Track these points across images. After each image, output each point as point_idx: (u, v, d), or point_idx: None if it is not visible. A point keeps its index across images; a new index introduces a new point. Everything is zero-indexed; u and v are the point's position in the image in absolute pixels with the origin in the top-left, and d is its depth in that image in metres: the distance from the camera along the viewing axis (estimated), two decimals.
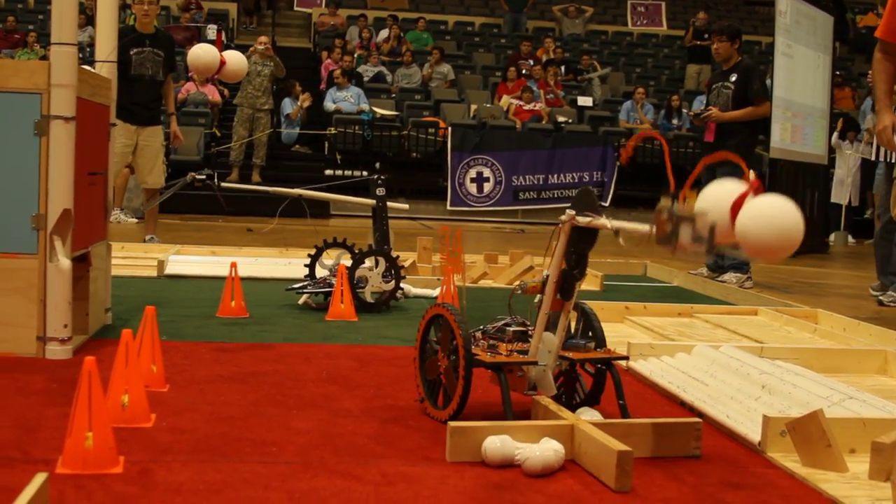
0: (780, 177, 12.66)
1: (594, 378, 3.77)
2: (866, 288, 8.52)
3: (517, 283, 3.76)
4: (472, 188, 16.88)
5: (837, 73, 17.49)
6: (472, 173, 16.87)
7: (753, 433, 3.47)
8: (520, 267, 7.83)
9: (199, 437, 3.28)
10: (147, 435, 3.28)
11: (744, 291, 7.72)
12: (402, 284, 6.36)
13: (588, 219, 3.37)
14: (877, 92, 6.11)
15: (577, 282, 3.49)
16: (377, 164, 16.66)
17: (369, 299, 6.09)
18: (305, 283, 6.26)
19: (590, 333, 3.80)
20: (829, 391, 4.02)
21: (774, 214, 2.85)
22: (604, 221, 3.31)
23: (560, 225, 3.49)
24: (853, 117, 17.43)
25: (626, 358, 3.94)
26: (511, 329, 3.75)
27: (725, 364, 4.51)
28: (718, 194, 3.01)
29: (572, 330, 3.82)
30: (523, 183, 17.08)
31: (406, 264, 7.80)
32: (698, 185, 3.08)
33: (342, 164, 16.76)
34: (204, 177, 6.42)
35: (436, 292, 6.29)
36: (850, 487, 3.06)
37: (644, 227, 3.13)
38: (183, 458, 3.05)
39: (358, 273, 6.10)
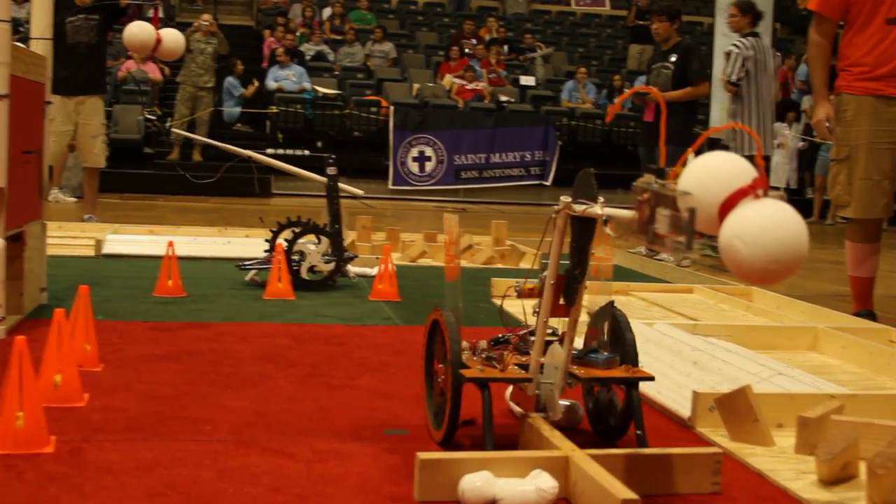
0: None
1: (624, 401, 3.11)
2: (803, 266, 8.61)
3: (513, 284, 3.15)
4: (414, 167, 16.89)
5: (778, 53, 17.59)
6: (414, 152, 16.88)
7: (683, 408, 3.51)
8: (460, 245, 7.84)
9: (132, 416, 3.28)
10: (80, 414, 3.28)
11: (681, 270, 7.79)
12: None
13: (583, 207, 2.80)
14: (814, 82, 6.07)
15: (579, 284, 2.93)
16: (319, 143, 16.72)
17: (304, 276, 6.08)
18: (253, 260, 6.26)
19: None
20: (758, 367, 4.08)
21: (774, 239, 2.15)
22: (596, 209, 2.74)
23: (553, 214, 2.94)
24: (793, 99, 17.59)
25: (652, 378, 3.07)
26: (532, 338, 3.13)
27: (658, 341, 4.55)
28: (709, 173, 2.30)
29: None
30: (465, 162, 17.10)
31: (345, 243, 7.81)
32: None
33: (284, 143, 16.71)
34: (154, 118, 6.43)
35: (374, 271, 6.29)
36: (777, 461, 3.11)
37: (631, 213, 2.56)
38: (115, 438, 3.04)
39: (297, 248, 6.10)
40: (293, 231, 6.14)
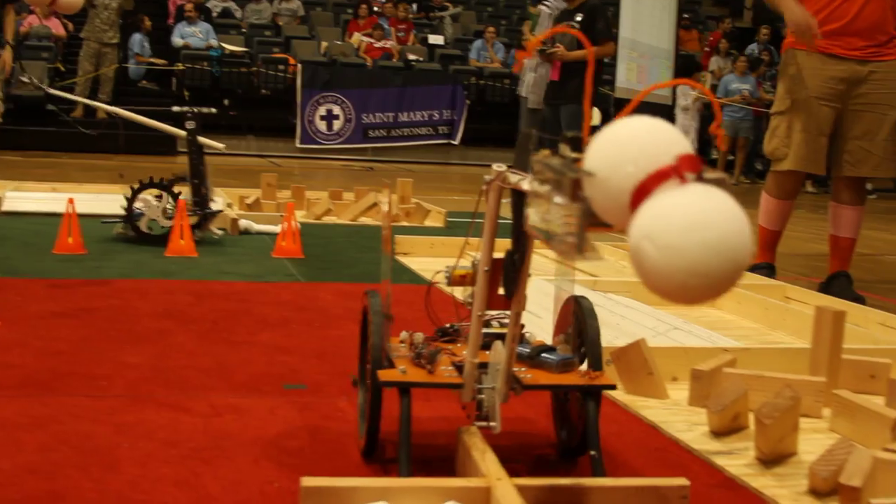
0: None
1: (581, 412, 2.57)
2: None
3: (441, 270, 2.59)
4: (322, 126, 16.81)
5: (685, 15, 17.78)
6: (322, 111, 16.80)
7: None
8: (364, 203, 7.85)
9: (27, 373, 3.25)
10: None
11: None
12: (244, 220, 6.47)
13: (517, 178, 2.19)
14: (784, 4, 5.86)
15: (520, 270, 2.31)
16: (226, 101, 16.56)
17: (143, 228, 6.10)
18: (115, 216, 6.26)
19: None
20: (655, 322, 4.15)
21: (699, 242, 1.52)
22: (524, 183, 2.08)
23: (483, 186, 2.36)
24: (696, 59, 17.74)
25: (613, 387, 2.61)
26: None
27: (559, 297, 4.59)
28: (621, 146, 1.66)
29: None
30: (373, 121, 17.06)
31: (250, 200, 7.79)
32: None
33: (190, 101, 16.52)
34: (28, 80, 6.39)
35: (278, 228, 6.26)
36: (670, 413, 3.16)
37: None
38: (10, 394, 3.02)
39: (137, 203, 6.08)
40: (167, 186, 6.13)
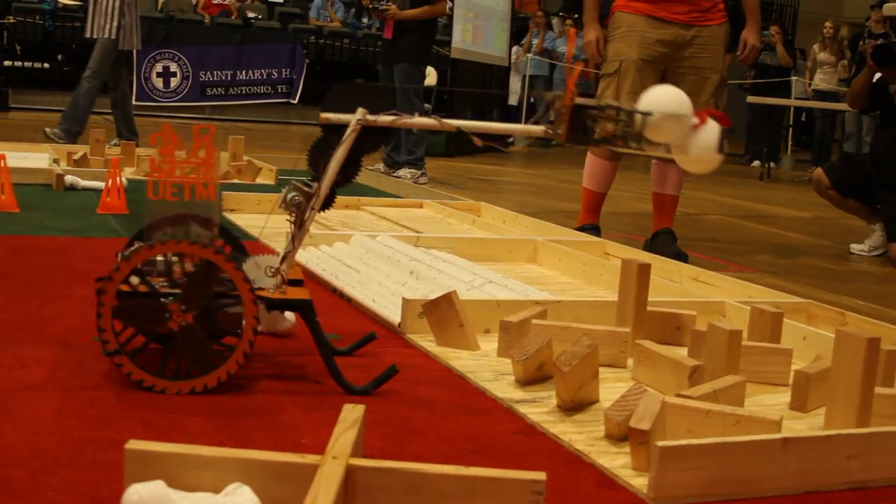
0: (461, 76, 12.99)
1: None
2: (536, 183, 8.84)
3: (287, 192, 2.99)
4: (159, 83, 16.55)
5: None
6: (159, 68, 16.53)
7: (395, 315, 3.60)
8: None
9: None
10: None
11: (416, 186, 7.90)
12: (70, 176, 6.39)
13: (392, 118, 2.89)
14: (586, 4, 6.13)
15: (337, 189, 3.00)
16: (59, 57, 16.23)
17: None
18: None
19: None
20: (472, 276, 4.21)
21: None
22: (428, 121, 2.96)
23: (350, 128, 2.90)
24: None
25: (301, 280, 3.13)
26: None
27: (379, 252, 4.64)
28: (680, 99, 2.89)
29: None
30: (211, 79, 16.86)
31: (77, 156, 7.67)
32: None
33: (22, 55, 16.15)
34: None
35: (103, 184, 6.18)
36: (479, 364, 3.23)
37: (531, 127, 2.88)
38: None
39: None
40: None
